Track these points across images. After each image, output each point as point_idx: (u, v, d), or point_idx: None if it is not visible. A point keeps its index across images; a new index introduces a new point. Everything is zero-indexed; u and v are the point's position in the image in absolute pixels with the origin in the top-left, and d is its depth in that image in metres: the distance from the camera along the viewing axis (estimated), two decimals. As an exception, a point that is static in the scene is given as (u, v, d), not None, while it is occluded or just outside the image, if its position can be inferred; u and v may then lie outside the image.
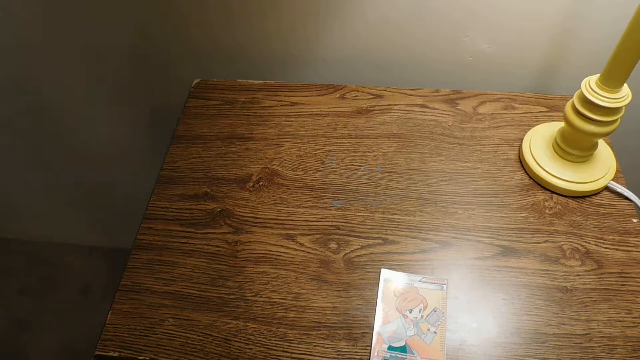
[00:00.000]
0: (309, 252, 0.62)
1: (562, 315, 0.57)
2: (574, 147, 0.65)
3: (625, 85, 0.58)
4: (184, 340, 0.57)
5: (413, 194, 0.67)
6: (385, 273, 0.60)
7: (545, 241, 0.62)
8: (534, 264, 0.60)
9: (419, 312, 0.57)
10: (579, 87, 0.60)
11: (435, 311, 0.57)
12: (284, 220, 0.65)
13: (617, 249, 0.62)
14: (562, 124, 0.66)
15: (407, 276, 0.60)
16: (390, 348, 0.55)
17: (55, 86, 0.99)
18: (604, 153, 0.68)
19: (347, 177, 0.69)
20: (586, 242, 0.62)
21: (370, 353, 0.55)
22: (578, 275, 0.60)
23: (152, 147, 1.04)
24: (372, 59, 0.83)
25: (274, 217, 0.66)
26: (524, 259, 0.61)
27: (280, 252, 0.63)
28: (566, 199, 0.66)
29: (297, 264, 0.62)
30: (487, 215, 0.65)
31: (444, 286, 0.59)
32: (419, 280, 0.59)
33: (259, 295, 0.59)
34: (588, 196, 0.66)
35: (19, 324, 1.39)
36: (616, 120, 0.60)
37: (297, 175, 0.70)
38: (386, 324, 0.56)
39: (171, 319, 0.58)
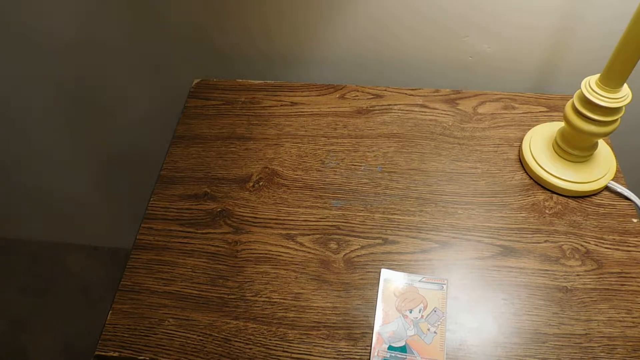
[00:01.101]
0: (309, 252, 0.62)
1: (562, 315, 0.57)
2: (574, 147, 0.65)
3: (625, 85, 0.58)
4: (184, 340, 0.57)
5: (413, 194, 0.67)
6: (385, 273, 0.60)
7: (545, 241, 0.62)
8: (534, 264, 0.60)
9: (419, 312, 0.57)
10: (579, 87, 0.60)
11: (435, 311, 0.57)
12: (284, 220, 0.65)
13: (617, 249, 0.62)
14: (562, 124, 0.66)
15: (407, 276, 0.60)
16: (390, 348, 0.55)
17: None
18: (604, 153, 0.68)
19: (347, 177, 0.69)
20: (586, 242, 0.62)
21: (370, 353, 0.55)
22: (578, 275, 0.60)
23: (152, 146, 1.04)
24: (372, 58, 0.83)
25: (274, 217, 0.66)
26: (524, 259, 0.61)
27: (280, 252, 0.63)
28: (566, 199, 0.66)
29: (297, 264, 0.62)
30: (487, 215, 0.65)
31: (444, 286, 0.59)
32: (419, 280, 0.59)
33: (259, 295, 0.59)
34: (588, 196, 0.66)
35: (19, 324, 1.39)
36: (616, 120, 0.60)
37: (297, 175, 0.70)
38: (386, 324, 0.56)
39: (171, 319, 0.58)
